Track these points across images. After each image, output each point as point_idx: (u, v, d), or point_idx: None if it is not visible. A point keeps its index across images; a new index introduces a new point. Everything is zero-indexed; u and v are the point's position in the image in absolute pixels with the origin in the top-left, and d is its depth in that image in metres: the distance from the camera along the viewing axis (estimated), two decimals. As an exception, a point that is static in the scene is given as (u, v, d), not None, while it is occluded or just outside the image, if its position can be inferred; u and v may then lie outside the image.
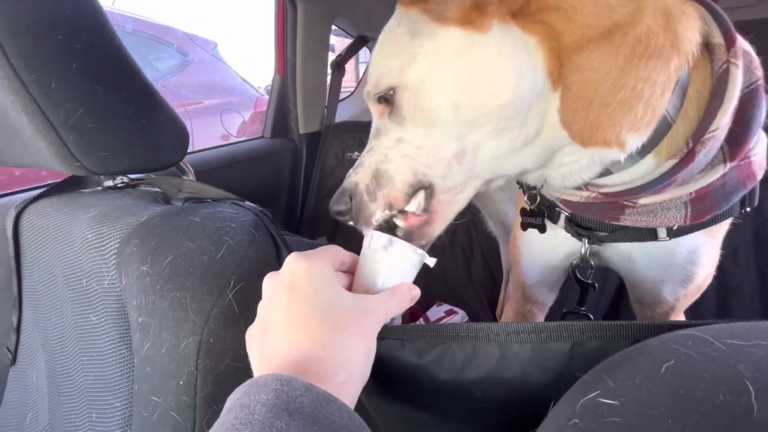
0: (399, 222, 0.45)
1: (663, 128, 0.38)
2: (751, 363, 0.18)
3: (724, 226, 0.49)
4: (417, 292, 0.37)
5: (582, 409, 0.19)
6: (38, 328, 0.54)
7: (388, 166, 0.43)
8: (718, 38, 0.38)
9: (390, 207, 0.43)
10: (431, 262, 0.38)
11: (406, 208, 0.43)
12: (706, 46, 0.39)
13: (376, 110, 0.45)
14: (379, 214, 0.43)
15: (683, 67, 0.37)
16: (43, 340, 0.53)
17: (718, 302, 1.05)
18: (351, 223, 0.44)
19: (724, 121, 0.37)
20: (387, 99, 0.42)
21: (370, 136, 0.46)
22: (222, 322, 0.39)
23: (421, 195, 0.43)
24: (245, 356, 0.35)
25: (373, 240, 0.38)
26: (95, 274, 0.46)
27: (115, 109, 0.45)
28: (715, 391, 0.17)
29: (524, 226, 0.58)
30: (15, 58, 0.37)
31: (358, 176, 0.44)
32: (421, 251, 0.37)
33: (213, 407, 0.38)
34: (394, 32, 0.42)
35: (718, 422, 0.16)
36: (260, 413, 0.23)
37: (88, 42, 0.42)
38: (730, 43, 0.37)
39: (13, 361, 0.56)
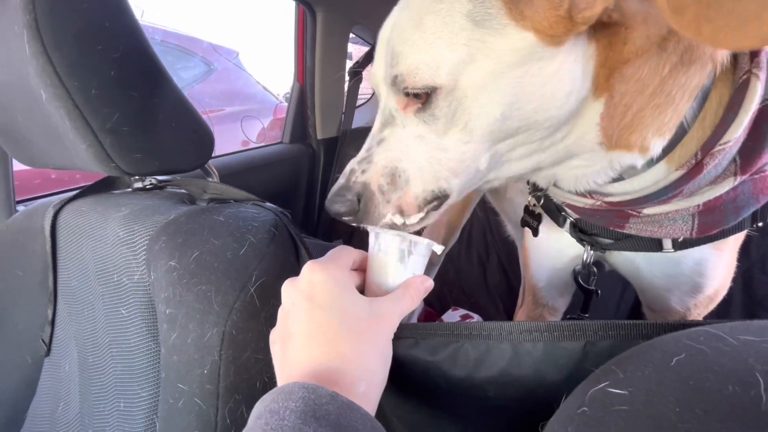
0: (396, 221, 0.40)
1: (678, 135, 0.37)
2: (762, 357, 0.18)
3: (735, 238, 0.48)
4: (430, 283, 0.37)
5: (591, 398, 0.20)
6: (71, 321, 0.57)
7: (407, 166, 0.38)
8: None
9: (401, 212, 0.39)
10: (439, 249, 0.38)
11: (407, 221, 0.39)
12: (733, 55, 0.37)
13: (397, 100, 0.38)
14: (389, 217, 0.39)
15: (713, 73, 0.36)
16: (76, 332, 0.56)
17: (745, 312, 1.01)
18: (354, 223, 0.40)
19: (737, 134, 0.35)
20: (418, 94, 0.36)
21: (378, 123, 0.40)
22: (244, 314, 0.41)
23: (433, 204, 0.39)
24: (265, 348, 0.37)
25: (380, 237, 0.38)
26: (126, 269, 0.49)
27: (147, 114, 0.47)
28: (725, 382, 0.18)
29: (523, 223, 0.57)
30: (60, 67, 0.40)
31: (369, 175, 0.38)
32: (427, 240, 0.37)
33: (235, 396, 0.39)
34: (448, 6, 0.33)
35: (726, 412, 0.16)
36: (290, 419, 0.25)
37: (125, 52, 0.45)
38: (754, 53, 0.36)
39: (48, 352, 0.59)
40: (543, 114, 0.35)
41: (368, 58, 1.56)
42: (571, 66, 0.34)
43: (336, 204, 0.39)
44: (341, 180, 0.40)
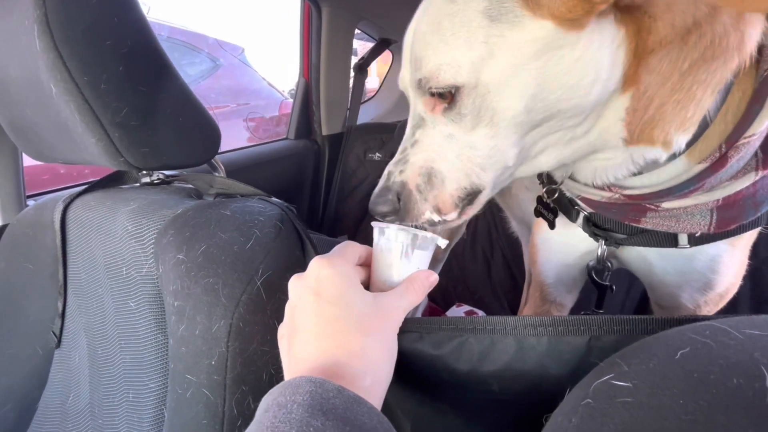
0: (434, 218, 0.41)
1: (701, 128, 0.36)
2: None
3: (749, 235, 0.47)
4: (434, 278, 0.38)
5: (595, 390, 0.20)
6: (81, 314, 0.58)
7: (442, 167, 0.39)
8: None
9: (438, 211, 0.40)
10: (443, 243, 0.38)
11: (447, 217, 0.40)
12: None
13: (424, 102, 0.39)
14: (428, 215, 0.40)
15: (739, 68, 0.35)
16: (85, 325, 0.57)
17: (753, 310, 1.00)
18: (396, 222, 0.40)
19: (762, 127, 0.35)
20: (443, 94, 0.37)
21: (411, 126, 0.41)
22: (251, 307, 0.41)
23: (464, 203, 0.40)
24: (271, 341, 0.37)
25: (384, 232, 0.38)
26: (134, 262, 0.50)
27: (155, 109, 0.48)
28: (729, 375, 0.18)
29: (537, 213, 0.57)
30: (70, 62, 0.41)
31: (407, 175, 0.40)
32: (431, 235, 0.37)
33: (242, 387, 0.40)
34: (464, 6, 0.34)
35: (730, 403, 0.17)
36: (297, 413, 0.25)
37: (133, 47, 0.45)
38: None
39: (58, 344, 0.60)
40: (567, 103, 0.35)
41: (373, 54, 1.56)
42: (595, 52, 0.34)
43: (379, 205, 0.40)
44: (381, 182, 0.41)
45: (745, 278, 0.54)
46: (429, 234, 0.37)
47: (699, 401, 0.17)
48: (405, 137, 0.42)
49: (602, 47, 0.34)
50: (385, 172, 0.41)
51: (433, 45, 0.36)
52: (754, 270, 1.02)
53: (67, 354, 0.60)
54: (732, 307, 0.55)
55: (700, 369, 0.18)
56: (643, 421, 0.17)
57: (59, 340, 0.60)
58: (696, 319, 0.25)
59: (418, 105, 0.40)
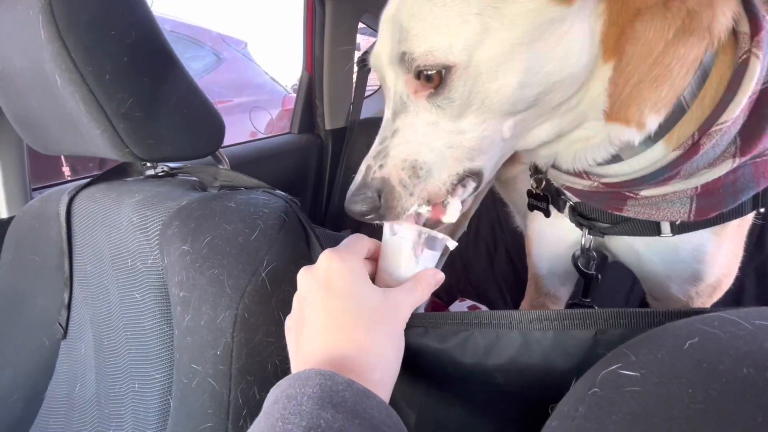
0: (422, 211, 0.40)
1: (676, 114, 0.36)
2: None
3: (737, 226, 0.47)
4: (441, 276, 0.38)
5: (602, 380, 0.20)
6: (87, 305, 0.58)
7: (427, 158, 0.37)
8: (744, 26, 0.36)
9: (428, 201, 0.38)
10: (452, 244, 0.38)
11: (449, 202, 0.39)
12: (734, 33, 0.36)
13: (406, 82, 0.36)
14: (414, 209, 0.38)
15: (709, 50, 0.35)
16: (91, 316, 0.57)
17: (760, 305, 0.99)
18: (376, 221, 0.38)
19: (734, 114, 0.35)
20: (430, 76, 0.34)
21: (390, 111, 0.38)
22: (255, 298, 0.41)
23: (471, 185, 0.39)
24: (276, 332, 0.37)
25: (394, 230, 0.38)
26: (140, 254, 0.50)
27: (160, 100, 0.48)
28: (739, 365, 0.17)
29: (530, 207, 0.57)
30: (75, 52, 0.41)
31: (387, 170, 0.37)
32: (441, 235, 0.37)
33: (247, 377, 0.40)
34: None
35: (740, 393, 0.16)
36: (307, 405, 0.25)
37: (138, 38, 0.45)
38: (755, 31, 0.35)
39: (64, 335, 0.61)
40: (559, 75, 0.35)
41: (377, 47, 1.54)
42: (579, 25, 0.34)
43: (356, 204, 0.37)
44: (358, 178, 0.38)
45: (750, 272, 0.53)
46: (440, 235, 0.37)
47: (708, 391, 0.17)
48: (383, 125, 0.39)
49: (585, 20, 0.34)
50: (362, 166, 0.38)
51: (422, 16, 0.33)
52: (759, 266, 1.01)
53: (73, 345, 0.60)
54: (737, 302, 0.54)
55: (709, 359, 0.18)
56: (651, 411, 0.17)
57: (65, 332, 0.61)
58: (703, 311, 0.25)
59: (398, 85, 0.37)
